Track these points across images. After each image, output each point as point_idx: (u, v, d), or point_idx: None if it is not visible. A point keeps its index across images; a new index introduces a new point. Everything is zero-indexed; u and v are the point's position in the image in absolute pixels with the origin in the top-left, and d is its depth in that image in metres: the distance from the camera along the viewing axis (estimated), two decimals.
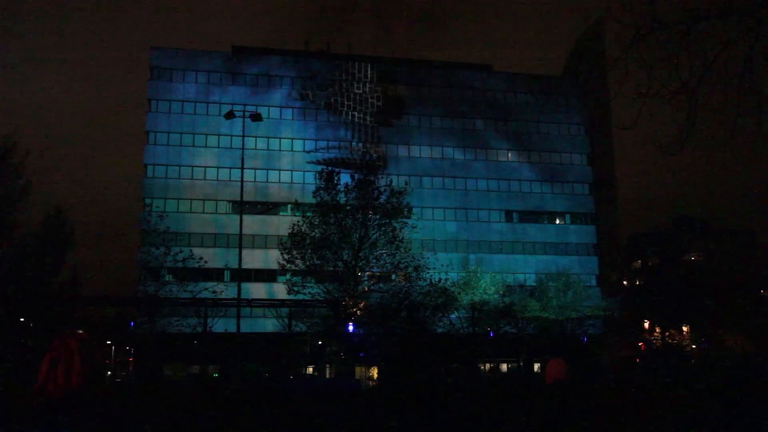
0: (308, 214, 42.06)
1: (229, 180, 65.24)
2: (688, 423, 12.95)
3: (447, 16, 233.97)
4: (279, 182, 67.97)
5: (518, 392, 22.58)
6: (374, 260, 41.47)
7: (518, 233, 72.71)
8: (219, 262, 60.54)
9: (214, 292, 43.86)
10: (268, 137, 67.76)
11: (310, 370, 59.63)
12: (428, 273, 42.37)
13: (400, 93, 73.48)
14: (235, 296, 39.98)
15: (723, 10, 7.13)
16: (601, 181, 79.73)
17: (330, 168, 44.03)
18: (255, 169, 65.87)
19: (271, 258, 52.71)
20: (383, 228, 41.12)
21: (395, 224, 41.21)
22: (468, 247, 68.81)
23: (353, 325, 41.91)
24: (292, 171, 68.54)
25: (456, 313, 49.36)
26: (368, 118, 71.58)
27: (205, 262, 45.80)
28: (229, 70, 69.70)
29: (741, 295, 64.05)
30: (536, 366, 58.35)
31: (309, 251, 40.91)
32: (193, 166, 66.63)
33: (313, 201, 42.22)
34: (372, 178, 42.14)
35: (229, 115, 38.91)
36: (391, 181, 44.89)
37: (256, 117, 40.23)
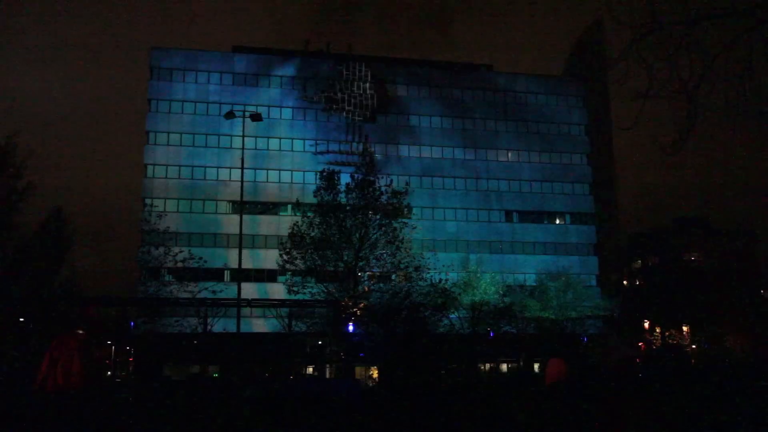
0: (309, 214, 42.10)
1: (229, 180, 65.24)
2: (688, 423, 12.95)
3: (447, 16, 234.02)
4: (279, 182, 67.98)
5: (518, 392, 22.58)
6: (374, 260, 41.51)
7: (518, 233, 72.71)
8: (219, 262, 60.53)
9: (213, 292, 43.88)
10: (268, 137, 67.77)
11: (310, 370, 59.65)
12: (428, 273, 42.41)
13: (400, 93, 73.48)
14: (235, 296, 39.98)
15: (723, 10, 7.12)
16: (601, 181, 79.77)
17: (331, 168, 43.99)
18: (255, 169, 65.87)
19: (271, 258, 52.71)
20: (383, 228, 41.16)
21: (395, 224, 41.25)
22: (468, 247, 68.81)
23: (353, 325, 41.92)
24: (292, 171, 68.55)
25: (456, 314, 49.39)
26: (368, 117, 71.61)
27: (205, 262, 45.84)
28: (229, 70, 69.71)
29: (741, 295, 64.13)
30: (536, 366, 58.37)
31: (309, 251, 40.95)
32: (193, 166, 66.62)
33: (314, 201, 42.26)
34: (372, 178, 42.13)
35: (229, 115, 38.96)
36: (391, 181, 44.88)
37: (256, 117, 40.25)
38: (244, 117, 40.17)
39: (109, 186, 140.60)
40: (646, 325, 71.65)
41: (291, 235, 41.57)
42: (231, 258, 59.33)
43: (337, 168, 44.27)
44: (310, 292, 41.67)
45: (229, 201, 65.69)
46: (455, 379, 42.14)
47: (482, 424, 13.84)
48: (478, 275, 54.46)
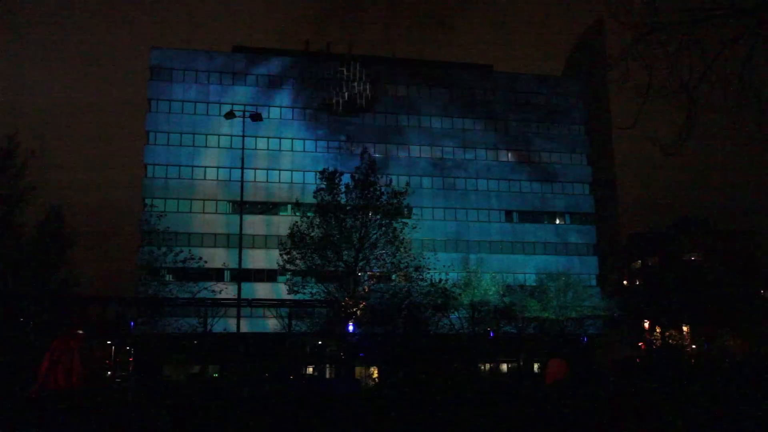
0: (309, 214, 42.08)
1: (230, 180, 65.22)
2: (688, 423, 12.95)
3: (447, 16, 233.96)
4: (279, 182, 67.97)
5: (518, 392, 22.59)
6: (374, 260, 41.49)
7: (518, 233, 72.70)
8: (219, 262, 60.52)
9: (213, 291, 43.87)
10: (268, 137, 67.76)
11: (310, 370, 59.67)
12: (428, 273, 42.37)
13: (400, 93, 73.48)
14: (235, 296, 39.99)
15: (723, 10, 7.12)
16: (601, 181, 79.73)
17: (331, 168, 43.99)
18: (255, 169, 65.87)
19: (271, 258, 52.71)
20: (383, 228, 41.14)
21: (395, 224, 41.23)
22: (468, 247, 68.82)
23: (353, 325, 41.92)
24: (292, 171, 68.54)
25: (456, 313, 49.39)
26: (368, 117, 71.63)
27: (205, 262, 45.82)
28: (229, 70, 69.68)
29: (741, 295, 64.11)
30: (536, 366, 58.39)
31: (309, 251, 40.94)
32: (193, 166, 66.61)
33: (314, 201, 42.24)
34: (372, 179, 42.11)
35: (229, 115, 38.94)
36: (391, 181, 44.87)
37: (256, 117, 40.25)
38: (244, 117, 40.15)
39: (109, 186, 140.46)
40: (646, 325, 71.63)
41: (291, 235, 41.55)
42: (231, 258, 59.32)
43: (337, 168, 44.22)
44: (310, 292, 41.66)
45: (229, 201, 65.67)
46: (455, 379, 42.13)
47: (482, 423, 13.84)
48: (478, 275, 54.47)
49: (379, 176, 42.99)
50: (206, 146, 67.13)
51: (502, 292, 55.40)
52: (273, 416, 15.52)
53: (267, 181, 67.68)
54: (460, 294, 48.73)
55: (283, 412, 16.61)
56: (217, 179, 66.57)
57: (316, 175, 43.57)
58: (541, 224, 73.83)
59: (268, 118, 64.69)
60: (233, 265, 58.36)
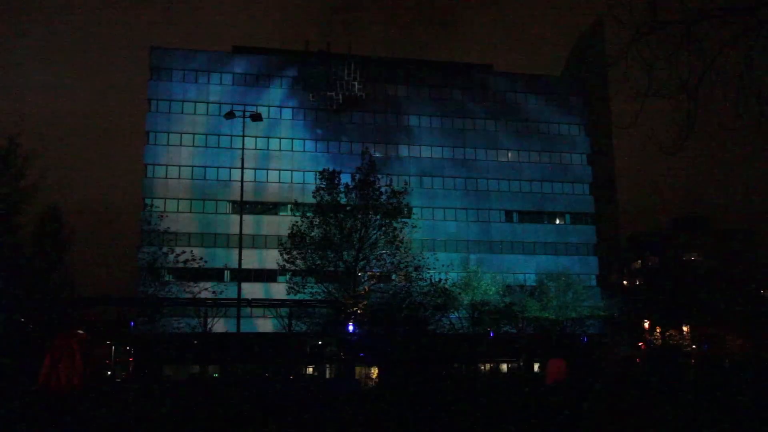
0: (308, 214, 42.09)
1: (229, 180, 65.26)
2: (688, 423, 12.95)
3: (447, 16, 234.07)
4: (279, 182, 68.00)
5: (518, 392, 22.58)
6: (374, 260, 41.49)
7: (518, 233, 72.72)
8: (219, 262, 60.54)
9: (214, 292, 43.87)
10: (267, 137, 67.79)
11: (310, 370, 59.66)
12: (428, 273, 42.39)
13: (400, 93, 73.50)
14: (235, 296, 40.00)
15: (723, 10, 7.13)
16: (601, 181, 79.72)
17: (331, 168, 43.99)
18: (255, 169, 65.91)
19: (271, 258, 52.72)
20: (383, 228, 41.14)
21: (395, 224, 41.24)
22: (468, 247, 68.85)
23: (353, 325, 41.91)
24: (292, 171, 68.57)
25: (456, 313, 49.39)
26: (368, 117, 71.67)
27: (205, 262, 45.84)
28: (229, 70, 69.71)
29: (741, 295, 64.08)
30: (536, 366, 58.38)
31: (309, 251, 40.95)
32: (193, 166, 66.64)
33: (313, 201, 42.25)
34: (372, 178, 42.11)
35: (229, 115, 38.96)
36: (391, 181, 44.89)
37: (256, 117, 40.25)
38: (244, 117, 40.16)
39: (109, 186, 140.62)
40: (646, 325, 71.62)
41: (291, 235, 41.56)
42: (231, 258, 59.34)
43: (336, 168, 44.23)
44: (310, 292, 41.67)
45: (229, 201, 65.70)
46: (455, 379, 42.11)
47: (482, 423, 13.84)
48: (478, 275, 54.50)
49: (379, 176, 43.00)
50: (206, 146, 67.16)
51: (502, 292, 55.43)
52: (273, 416, 15.52)
53: (267, 181, 67.70)
54: (459, 293, 48.73)
55: (283, 412, 16.61)
56: (217, 179, 66.60)
57: (315, 175, 43.58)
58: (541, 224, 73.85)
59: (268, 118, 64.71)
60: (233, 265, 58.38)
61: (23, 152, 35.19)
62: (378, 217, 41.28)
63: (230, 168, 65.01)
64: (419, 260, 41.48)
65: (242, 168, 42.35)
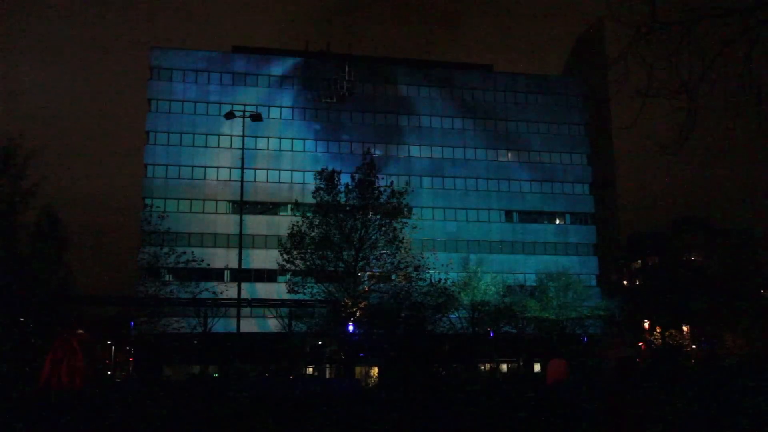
0: (308, 214, 42.07)
1: (229, 180, 65.28)
2: (688, 423, 12.97)
3: (448, 16, 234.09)
4: (279, 182, 68.00)
5: (518, 392, 22.60)
6: (374, 260, 41.48)
7: (518, 233, 72.73)
8: (219, 262, 60.54)
9: (214, 292, 43.86)
10: (268, 137, 67.79)
11: (310, 370, 59.67)
12: (428, 273, 42.36)
13: (400, 93, 73.51)
14: (235, 296, 40.00)
15: (723, 10, 7.13)
16: (601, 181, 79.75)
17: (330, 168, 43.98)
18: (255, 169, 65.91)
19: (271, 258, 52.71)
20: (383, 228, 41.13)
21: (395, 224, 41.22)
22: (468, 247, 68.82)
23: (353, 325, 41.91)
24: (292, 171, 68.57)
25: (456, 313, 49.37)
26: (368, 117, 71.66)
27: (206, 263, 45.84)
28: (229, 70, 69.72)
29: (741, 295, 64.07)
30: (536, 366, 58.38)
31: (309, 251, 40.93)
32: (193, 166, 66.65)
33: (313, 201, 42.23)
34: (372, 178, 42.08)
35: (229, 115, 38.96)
36: (391, 182, 44.86)
37: (256, 117, 40.25)
38: (244, 117, 40.15)
39: (109, 186, 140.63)
40: (646, 325, 71.64)
41: (291, 235, 41.54)
42: (231, 258, 59.32)
43: (336, 168, 44.22)
44: (310, 292, 41.64)
45: (229, 201, 65.71)
46: (455, 379, 42.14)
47: (482, 423, 13.85)
48: (478, 275, 54.45)
49: (379, 176, 42.99)
50: (206, 146, 67.16)
51: (502, 292, 55.40)
52: (273, 416, 15.53)
53: (267, 181, 67.71)
54: (459, 294, 48.70)
55: (283, 412, 16.62)
56: (217, 179, 66.61)
57: (315, 175, 43.53)
58: (541, 224, 73.86)
59: (268, 118, 64.71)
60: (233, 265, 58.37)
61: (23, 152, 35.26)
62: (378, 217, 41.26)
63: (230, 168, 65.02)
64: (419, 260, 41.45)
65: (242, 168, 42.34)
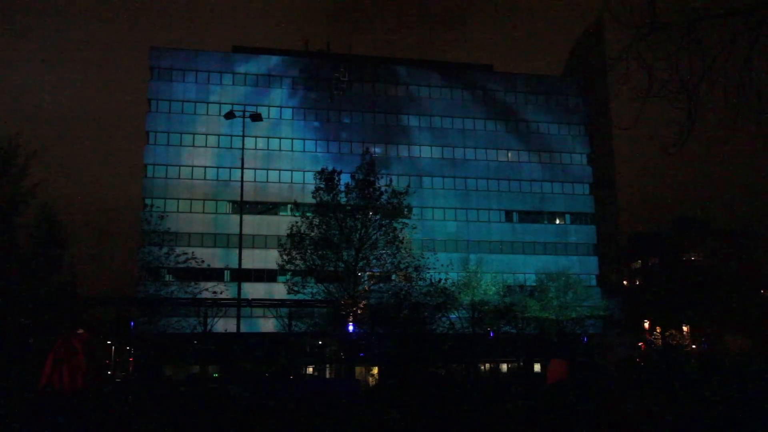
0: (308, 214, 42.07)
1: (229, 180, 65.27)
2: (687, 423, 12.95)
3: (447, 17, 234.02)
4: (279, 182, 68.00)
5: (518, 392, 22.61)
6: (374, 260, 41.48)
7: (518, 233, 72.74)
8: (219, 262, 60.53)
9: (214, 292, 43.84)
10: (267, 137, 67.79)
11: (310, 370, 59.67)
12: (428, 273, 42.36)
13: (400, 93, 73.52)
14: (235, 296, 40.00)
15: (723, 10, 7.14)
16: (601, 181, 79.76)
17: (330, 168, 43.98)
18: (255, 169, 65.90)
19: (271, 258, 52.71)
20: (383, 228, 41.14)
21: (395, 224, 41.22)
22: (468, 247, 68.81)
23: (353, 325, 41.92)
24: (292, 171, 68.57)
25: (456, 313, 49.37)
26: (368, 117, 71.67)
27: (206, 263, 45.80)
28: (229, 70, 69.73)
29: (741, 295, 64.09)
30: (536, 366, 58.38)
31: (309, 251, 40.93)
32: (193, 166, 66.65)
33: (313, 201, 42.24)
34: (372, 179, 42.10)
35: (229, 115, 38.96)
36: (391, 181, 44.87)
37: (256, 117, 40.25)
38: (244, 117, 40.16)
39: (109, 186, 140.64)
40: (646, 325, 71.64)
41: (291, 235, 41.54)
42: (231, 258, 59.32)
43: (336, 168, 44.21)
44: (310, 292, 41.64)
45: (229, 201, 65.71)
46: (455, 378, 42.15)
47: (482, 423, 13.85)
48: (478, 275, 54.47)
49: (379, 176, 42.99)
50: (206, 146, 67.17)
51: (502, 292, 55.42)
52: (272, 416, 15.53)
53: (266, 181, 67.71)
54: (459, 294, 48.71)
55: (283, 412, 16.62)
56: (217, 179, 66.61)
57: (315, 175, 43.52)
58: (541, 224, 73.88)
59: (268, 118, 64.70)
60: (233, 265, 58.36)
61: (24, 152, 35.24)
62: (378, 217, 41.28)
63: (230, 168, 65.00)
64: (419, 260, 41.45)
65: (242, 168, 42.34)
